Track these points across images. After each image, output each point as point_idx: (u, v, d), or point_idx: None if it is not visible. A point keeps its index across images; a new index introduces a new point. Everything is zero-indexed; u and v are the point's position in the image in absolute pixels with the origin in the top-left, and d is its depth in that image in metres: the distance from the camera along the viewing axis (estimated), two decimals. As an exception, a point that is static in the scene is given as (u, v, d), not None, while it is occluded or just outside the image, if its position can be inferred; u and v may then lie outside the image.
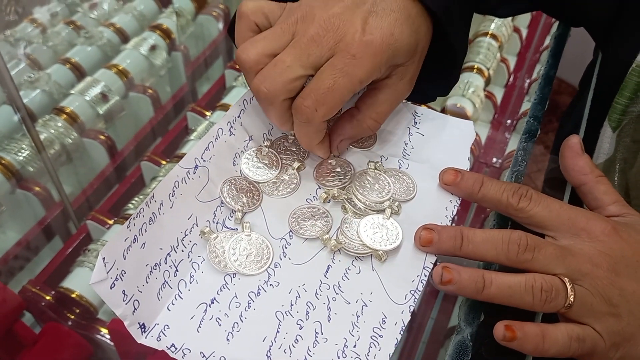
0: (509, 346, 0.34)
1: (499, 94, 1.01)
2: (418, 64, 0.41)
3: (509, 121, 0.97)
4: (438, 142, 0.45)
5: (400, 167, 0.44)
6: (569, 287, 0.35)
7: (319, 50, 0.37)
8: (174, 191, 0.38)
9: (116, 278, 0.34)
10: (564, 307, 0.35)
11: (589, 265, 0.35)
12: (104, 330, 0.66)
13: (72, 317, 0.67)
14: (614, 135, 0.47)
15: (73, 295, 0.67)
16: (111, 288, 0.34)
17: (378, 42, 0.37)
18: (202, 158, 0.41)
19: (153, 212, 0.37)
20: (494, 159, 0.91)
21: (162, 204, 0.38)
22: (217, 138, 0.42)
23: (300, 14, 0.38)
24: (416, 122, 0.46)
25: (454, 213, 0.40)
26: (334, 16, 0.37)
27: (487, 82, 0.97)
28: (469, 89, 0.92)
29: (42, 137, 0.79)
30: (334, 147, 0.43)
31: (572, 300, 0.35)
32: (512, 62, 1.06)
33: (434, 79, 0.44)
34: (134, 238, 0.35)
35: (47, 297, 0.68)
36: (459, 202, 0.41)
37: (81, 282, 0.68)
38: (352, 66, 0.36)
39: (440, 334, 0.73)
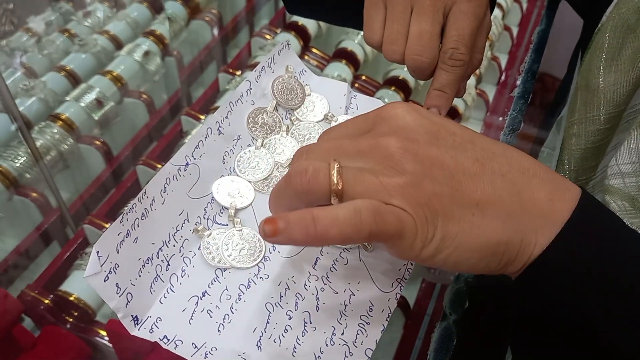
0: (276, 243, 0.29)
1: (490, 92, 1.02)
2: None
3: (500, 118, 0.98)
4: None
5: None
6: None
7: None
8: (165, 187, 0.39)
9: (110, 271, 0.35)
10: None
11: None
12: (103, 333, 0.67)
13: (71, 320, 0.68)
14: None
15: (71, 298, 0.68)
16: (105, 281, 0.34)
17: None
18: (192, 156, 0.41)
19: (145, 208, 0.38)
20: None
21: (154, 200, 0.38)
22: (206, 137, 0.43)
23: None
24: (351, 107, 0.47)
25: None
26: None
27: (479, 80, 0.99)
28: (460, 88, 0.93)
29: (38, 144, 0.80)
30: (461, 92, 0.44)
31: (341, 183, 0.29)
32: (503, 60, 1.08)
33: None
34: (127, 233, 0.36)
35: (46, 301, 0.68)
36: None
37: (79, 285, 0.69)
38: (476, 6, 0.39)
39: (436, 330, 0.74)
